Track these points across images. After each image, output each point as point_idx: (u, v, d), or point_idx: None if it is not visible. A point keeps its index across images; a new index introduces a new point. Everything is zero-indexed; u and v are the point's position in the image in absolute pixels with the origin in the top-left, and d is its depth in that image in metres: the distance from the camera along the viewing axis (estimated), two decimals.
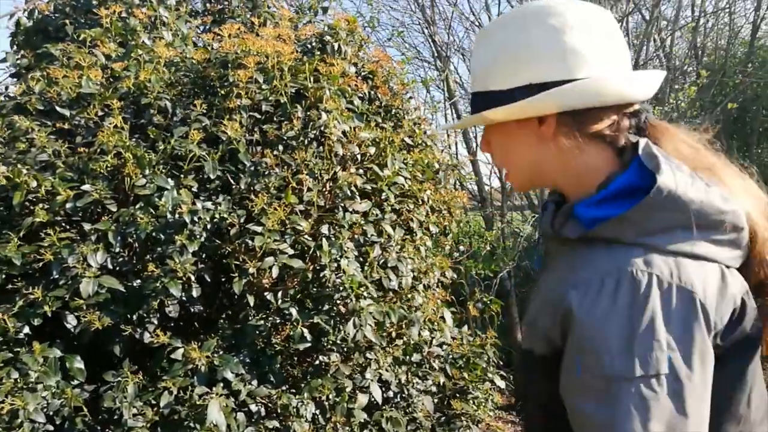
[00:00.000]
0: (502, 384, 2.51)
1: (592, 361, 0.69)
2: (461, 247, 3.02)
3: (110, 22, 2.09)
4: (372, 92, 2.40)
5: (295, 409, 1.85)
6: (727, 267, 0.76)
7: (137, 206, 1.70)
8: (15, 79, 2.06)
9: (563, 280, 0.76)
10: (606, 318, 0.69)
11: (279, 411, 1.87)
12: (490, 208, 4.29)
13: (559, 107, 0.79)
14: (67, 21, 2.20)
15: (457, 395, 2.51)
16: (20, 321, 1.55)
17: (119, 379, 1.75)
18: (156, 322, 1.77)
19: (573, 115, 0.80)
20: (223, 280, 2.00)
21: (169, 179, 1.75)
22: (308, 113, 2.02)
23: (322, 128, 1.96)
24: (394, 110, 2.43)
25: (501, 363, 2.86)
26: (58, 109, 1.82)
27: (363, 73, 2.38)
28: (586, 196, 0.81)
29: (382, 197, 2.14)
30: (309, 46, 2.23)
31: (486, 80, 0.86)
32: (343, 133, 2.02)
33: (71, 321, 1.59)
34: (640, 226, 0.73)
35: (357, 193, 2.05)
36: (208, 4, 2.65)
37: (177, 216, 1.69)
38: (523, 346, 0.86)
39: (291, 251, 1.83)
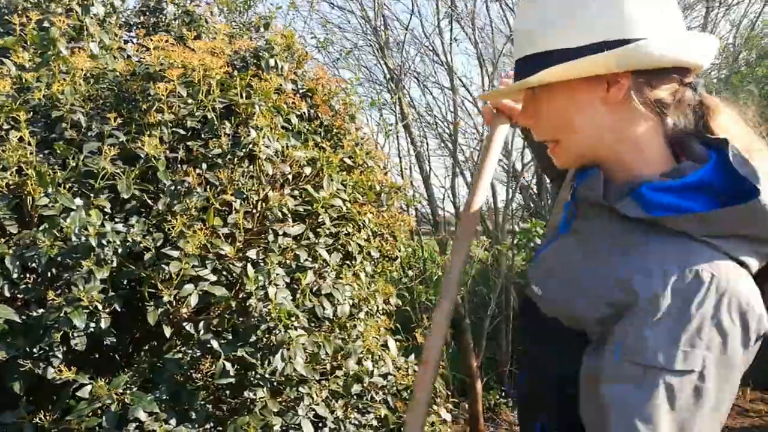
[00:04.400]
0: (448, 417, 2.40)
1: (635, 349, 0.68)
2: (410, 272, 2.92)
3: (27, 31, 1.94)
4: (312, 111, 2.30)
5: None
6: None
7: (40, 228, 1.54)
8: None
9: (626, 263, 0.73)
10: (666, 318, 0.68)
11: None
12: (443, 232, 4.23)
13: (640, 64, 0.76)
14: None
15: (401, 429, 2.38)
16: None
17: (14, 420, 1.57)
18: (61, 356, 1.60)
19: (643, 77, 0.77)
20: (141, 310, 1.84)
21: (78, 199, 1.60)
22: (238, 130, 1.90)
23: (251, 146, 1.85)
24: (335, 130, 2.33)
25: (449, 394, 2.75)
26: None
27: (302, 91, 2.28)
28: (638, 177, 0.79)
29: (318, 220, 2.03)
30: (243, 61, 2.13)
31: (548, 39, 0.80)
32: (276, 151, 1.91)
33: None
34: (716, 227, 0.71)
35: (289, 216, 1.94)
36: (142, 17, 2.52)
37: (84, 239, 1.53)
38: (547, 314, 0.83)
39: (213, 278, 1.69)
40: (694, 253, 0.71)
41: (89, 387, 1.61)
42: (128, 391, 1.64)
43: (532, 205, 4.89)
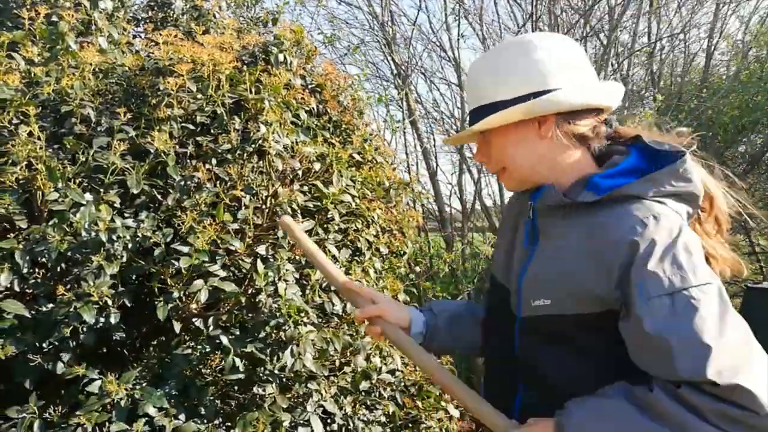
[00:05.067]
0: (456, 413, 2.39)
1: (654, 285, 0.85)
2: (417, 268, 2.91)
3: (36, 26, 1.94)
4: (321, 106, 2.29)
5: None
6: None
7: (50, 223, 1.53)
8: None
9: (609, 233, 0.92)
10: (658, 250, 0.87)
11: None
12: (450, 228, 4.21)
13: (558, 108, 1.00)
14: None
15: (409, 425, 2.38)
16: None
17: (24, 415, 1.57)
18: (70, 351, 1.60)
19: (565, 117, 1.01)
20: (151, 306, 1.84)
21: (88, 194, 1.60)
22: (247, 125, 1.89)
23: (260, 141, 1.84)
24: (344, 125, 2.32)
25: None
26: None
27: (311, 86, 2.27)
28: (572, 181, 1.02)
29: (327, 216, 2.02)
30: (252, 56, 2.12)
31: (488, 94, 1.04)
32: (286, 147, 1.90)
33: None
34: (660, 187, 0.94)
35: (299, 211, 1.93)
36: (150, 12, 2.51)
37: (93, 234, 1.53)
38: (558, 317, 0.97)
39: (223, 273, 1.69)
40: (653, 206, 0.92)
41: (98, 382, 1.60)
42: (138, 387, 1.64)
43: None
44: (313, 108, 2.23)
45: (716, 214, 1.04)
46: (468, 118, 1.11)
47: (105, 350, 1.85)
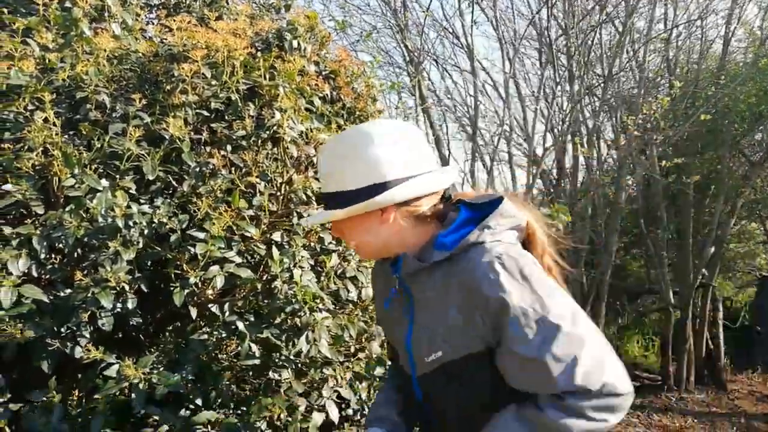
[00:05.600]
0: None
1: (519, 318, 1.00)
2: None
3: (50, 12, 1.93)
4: (334, 93, 2.28)
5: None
6: None
7: (66, 209, 1.54)
8: None
9: (466, 283, 1.05)
10: (515, 288, 1.01)
11: None
12: None
13: (396, 200, 1.10)
14: (5, 9, 2.03)
15: None
16: None
17: (43, 398, 1.58)
18: (88, 335, 1.61)
19: (405, 205, 1.12)
20: (167, 291, 1.84)
21: (104, 180, 1.60)
22: (261, 112, 1.88)
23: (275, 128, 1.83)
24: (357, 112, 2.31)
25: None
26: None
27: (324, 73, 2.26)
28: (422, 247, 1.14)
29: None
30: (266, 43, 2.10)
31: (336, 183, 1.13)
32: (301, 134, 1.89)
33: None
34: (494, 229, 1.08)
35: (313, 198, 1.92)
36: None
37: (110, 220, 1.53)
38: (450, 363, 1.09)
39: (238, 260, 1.69)
40: (493, 248, 1.05)
41: (116, 366, 1.62)
42: (155, 371, 1.65)
43: (551, 190, 4.83)
44: (327, 94, 2.21)
45: (535, 246, 1.18)
46: (323, 201, 1.22)
47: (121, 335, 1.87)
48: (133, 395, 1.62)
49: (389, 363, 1.47)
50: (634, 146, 4.26)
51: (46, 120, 1.63)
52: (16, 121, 1.70)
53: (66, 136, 1.67)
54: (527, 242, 1.16)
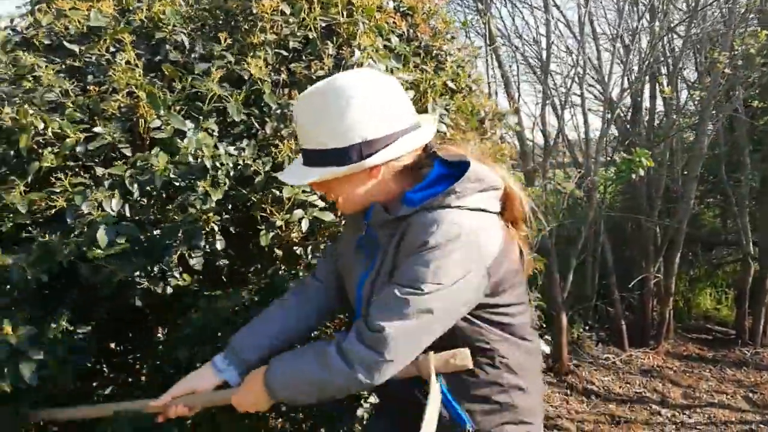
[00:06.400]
0: (547, 349, 2.34)
1: (402, 273, 1.13)
2: None
3: None
4: (411, 31, 2.17)
5: None
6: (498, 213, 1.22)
7: (154, 150, 1.54)
8: (25, 12, 1.88)
9: (409, 236, 1.14)
10: (424, 250, 1.11)
11: None
12: (532, 163, 4.04)
13: (391, 157, 1.16)
14: None
15: None
16: (37, 270, 1.43)
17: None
18: (178, 275, 1.64)
19: (394, 160, 1.18)
20: (249, 233, 1.85)
21: (188, 122, 1.58)
22: (340, 51, 1.81)
23: (354, 67, 1.76)
24: (435, 51, 2.19)
25: (543, 326, 2.69)
26: (66, 44, 1.66)
27: (402, 9, 2.14)
28: (394, 198, 1.22)
29: None
30: None
31: (318, 141, 1.16)
32: None
33: (85, 272, 1.46)
34: (460, 194, 1.14)
35: None
36: None
37: (198, 161, 1.52)
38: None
39: (321, 204, 1.66)
40: (446, 214, 1.12)
41: (204, 302, 1.65)
42: (243, 306, 1.68)
43: (627, 135, 4.58)
44: (404, 32, 2.11)
45: (512, 210, 1.24)
46: (301, 155, 1.25)
47: (204, 277, 1.90)
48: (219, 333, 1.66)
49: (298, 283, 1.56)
50: (722, 86, 3.94)
51: (127, 62, 1.62)
52: (98, 63, 1.70)
53: (147, 78, 1.66)
54: (505, 202, 1.22)
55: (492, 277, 1.16)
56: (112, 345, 1.88)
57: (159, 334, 1.87)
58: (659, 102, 4.65)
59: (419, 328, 1.12)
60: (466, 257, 1.12)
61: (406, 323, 1.10)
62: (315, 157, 1.18)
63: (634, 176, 3.10)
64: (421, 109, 1.93)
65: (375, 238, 1.24)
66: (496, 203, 1.21)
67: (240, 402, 1.28)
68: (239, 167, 1.56)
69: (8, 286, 1.42)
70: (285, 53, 1.79)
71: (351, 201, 1.24)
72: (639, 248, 4.72)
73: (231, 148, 1.57)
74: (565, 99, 4.21)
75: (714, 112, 4.36)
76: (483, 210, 1.17)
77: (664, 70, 4.53)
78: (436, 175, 1.20)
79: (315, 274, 1.49)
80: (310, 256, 1.70)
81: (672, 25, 4.30)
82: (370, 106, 1.13)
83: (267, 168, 1.62)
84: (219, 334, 1.62)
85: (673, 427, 3.86)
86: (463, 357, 1.19)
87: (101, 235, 1.42)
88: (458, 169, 1.19)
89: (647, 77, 4.34)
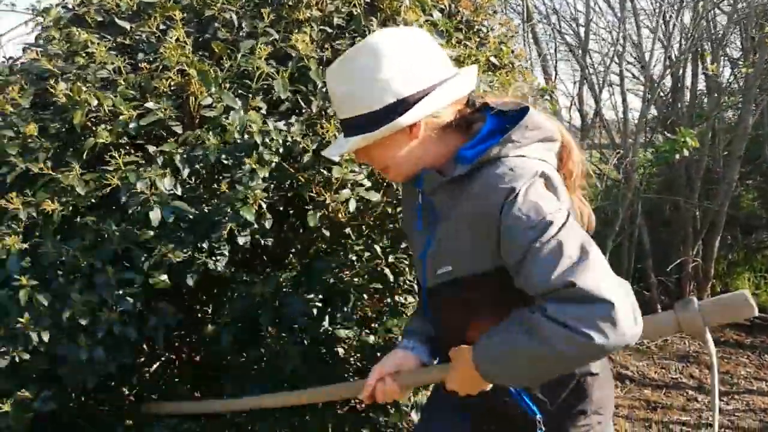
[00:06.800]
0: None
1: (519, 224, 0.99)
2: None
3: None
4: (453, 5, 2.13)
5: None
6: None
7: (204, 127, 1.55)
8: None
9: (481, 200, 1.04)
10: (518, 199, 1.00)
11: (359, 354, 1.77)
12: None
13: (425, 114, 1.08)
14: None
15: None
16: (91, 256, 1.47)
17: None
18: (227, 252, 1.65)
19: (433, 116, 1.10)
20: (291, 213, 1.86)
21: (237, 99, 1.59)
22: (384, 27, 1.79)
23: None
24: (476, 26, 2.16)
25: None
26: (117, 21, 1.68)
27: None
28: (447, 159, 1.13)
29: None
30: None
31: (353, 107, 1.10)
32: None
33: (140, 258, 1.49)
34: (516, 142, 1.06)
35: None
36: None
37: (246, 137, 1.53)
38: (458, 279, 1.11)
39: (368, 183, 1.66)
40: (509, 162, 1.04)
41: (247, 283, 1.67)
42: (284, 289, 1.70)
43: (668, 115, 4.46)
44: (445, 7, 2.08)
45: (568, 163, 1.16)
46: (341, 128, 1.18)
47: (247, 255, 1.91)
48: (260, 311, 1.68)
49: None
50: None
51: (177, 39, 1.63)
52: (148, 41, 1.71)
53: (196, 56, 1.66)
54: (561, 155, 1.15)
55: None
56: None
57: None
58: (701, 81, 4.51)
59: (593, 251, 0.95)
60: (552, 194, 1.04)
61: (582, 259, 0.93)
62: (353, 126, 1.11)
63: (678, 156, 3.02)
64: None
65: (432, 204, 1.15)
66: (553, 157, 1.12)
67: (455, 384, 1.14)
68: (288, 144, 1.56)
69: (61, 272, 1.46)
70: (329, 30, 1.78)
71: (397, 168, 1.16)
72: (677, 231, 4.62)
73: (280, 123, 1.57)
74: (604, 78, 4.11)
75: (758, 90, 4.21)
76: (544, 161, 1.09)
77: (707, 48, 4.38)
78: (490, 129, 1.11)
79: None
80: (355, 237, 1.70)
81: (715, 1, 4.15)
82: (402, 63, 1.06)
83: (314, 147, 1.62)
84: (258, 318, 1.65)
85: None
86: (743, 300, 0.96)
87: (154, 216, 1.44)
88: (514, 120, 1.10)
89: (689, 55, 4.20)
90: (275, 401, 1.50)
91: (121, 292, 1.46)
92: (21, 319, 1.36)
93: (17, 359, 1.38)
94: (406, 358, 1.25)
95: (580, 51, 4.05)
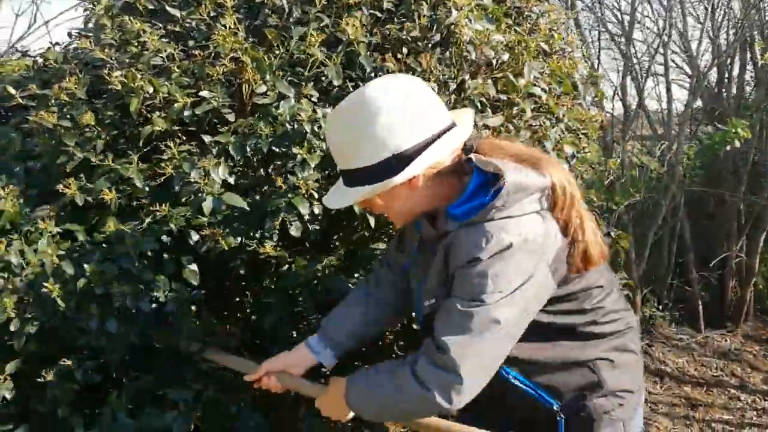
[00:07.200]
0: None
1: (459, 287, 1.12)
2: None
3: None
4: None
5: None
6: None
7: (256, 116, 1.54)
8: None
9: (456, 253, 1.12)
10: (475, 265, 1.09)
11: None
12: (610, 134, 3.88)
13: (427, 165, 1.12)
14: None
15: None
16: (148, 239, 1.48)
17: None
18: (275, 240, 1.65)
19: (431, 167, 1.14)
20: None
21: (290, 87, 1.58)
22: (435, 12, 1.76)
23: (451, 28, 1.71)
24: (526, 12, 2.11)
25: None
26: (168, 9, 1.68)
27: None
28: (441, 205, 1.17)
29: (513, 111, 1.88)
30: None
31: (352, 160, 1.14)
32: (477, 34, 1.75)
33: (194, 238, 1.49)
34: (501, 209, 1.09)
35: (488, 106, 1.80)
36: None
37: (296, 126, 1.52)
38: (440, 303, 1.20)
39: None
40: (490, 227, 1.09)
41: (293, 266, 1.67)
42: (327, 273, 1.69)
43: (712, 105, 4.33)
44: None
45: (571, 212, 1.17)
46: (341, 176, 1.22)
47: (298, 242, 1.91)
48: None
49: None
50: None
51: (230, 26, 1.62)
52: (199, 28, 1.72)
53: (248, 43, 1.66)
54: (555, 198, 1.16)
55: (559, 270, 1.14)
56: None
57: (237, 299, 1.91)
58: (749, 71, 4.36)
59: (489, 341, 1.07)
60: (524, 262, 1.08)
61: (473, 339, 1.06)
62: (353, 177, 1.15)
63: (728, 148, 2.91)
64: (516, 72, 1.87)
65: (429, 249, 1.21)
66: (544, 201, 1.15)
67: (323, 406, 1.30)
68: None
69: (123, 255, 1.47)
70: (379, 14, 1.76)
71: (397, 215, 1.23)
72: (721, 225, 4.49)
73: (329, 110, 1.56)
74: (648, 68, 4.00)
75: None
76: (530, 213, 1.13)
77: (757, 37, 4.23)
78: (477, 185, 1.14)
79: (388, 262, 1.49)
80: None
81: None
82: (399, 116, 1.09)
83: None
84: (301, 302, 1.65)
85: (754, 413, 3.70)
86: None
87: (207, 206, 1.45)
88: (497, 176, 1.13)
89: (738, 44, 4.05)
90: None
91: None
92: (47, 284, 1.37)
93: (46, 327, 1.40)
94: (300, 361, 1.40)
95: (623, 40, 3.94)
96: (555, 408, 1.23)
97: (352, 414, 1.23)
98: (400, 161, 1.09)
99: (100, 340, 1.42)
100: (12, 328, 1.35)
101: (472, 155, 1.17)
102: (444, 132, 1.14)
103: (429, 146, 1.11)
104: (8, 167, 1.64)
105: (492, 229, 1.08)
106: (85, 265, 1.41)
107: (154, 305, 1.47)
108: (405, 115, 1.10)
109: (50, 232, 1.45)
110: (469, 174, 1.16)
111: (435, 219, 1.19)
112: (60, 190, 1.46)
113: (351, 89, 1.70)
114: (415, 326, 1.81)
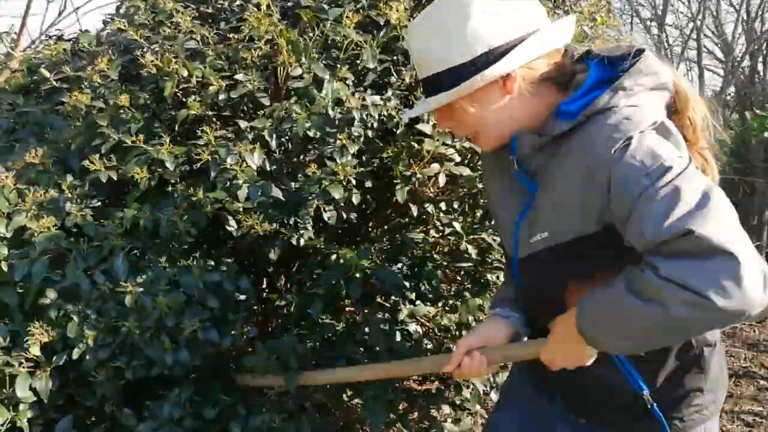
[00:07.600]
0: None
1: (635, 174, 0.86)
2: None
3: None
4: None
5: (455, 330, 1.68)
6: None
7: (292, 100, 1.50)
8: None
9: (590, 152, 0.92)
10: (633, 148, 0.89)
11: (437, 332, 1.72)
12: None
13: (522, 61, 0.97)
14: None
15: None
16: (186, 223, 1.44)
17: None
18: (311, 228, 1.62)
19: (528, 67, 0.98)
20: (379, 188, 1.80)
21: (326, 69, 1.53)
22: None
23: None
24: None
25: None
26: None
27: None
28: (544, 118, 1.00)
29: None
30: None
31: (437, 63, 1.00)
32: None
33: (232, 224, 1.46)
34: (629, 90, 0.94)
35: None
36: None
37: (339, 112, 1.47)
38: (555, 245, 1.00)
39: (458, 158, 1.59)
40: (622, 111, 0.92)
41: (334, 255, 1.62)
42: (372, 263, 1.65)
43: (744, 91, 4.21)
44: None
45: (686, 114, 1.02)
46: (422, 88, 1.07)
47: (339, 230, 1.87)
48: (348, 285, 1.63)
49: None
50: None
51: (259, 7, 1.57)
52: (231, 9, 1.67)
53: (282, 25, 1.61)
54: (675, 105, 1.01)
55: None
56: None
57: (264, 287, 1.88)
58: None
59: (715, 193, 0.82)
60: (670, 143, 0.93)
61: (702, 202, 0.81)
62: (440, 83, 1.00)
63: (766, 134, 2.83)
64: None
65: (527, 170, 1.03)
66: (663, 107, 0.99)
67: (551, 357, 1.04)
68: (383, 118, 1.50)
69: (158, 240, 1.45)
70: None
71: (487, 131, 1.04)
72: (751, 213, 4.40)
73: (376, 98, 1.50)
74: (681, 53, 3.89)
75: None
76: (658, 112, 0.97)
77: None
78: (595, 80, 0.98)
79: None
80: (442, 213, 1.64)
81: None
82: (493, 11, 0.96)
83: (406, 120, 1.56)
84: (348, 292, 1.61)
85: None
86: None
87: (242, 194, 1.41)
88: (623, 65, 0.97)
89: None
90: (351, 375, 1.44)
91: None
92: (127, 323, 1.34)
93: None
94: (498, 330, 1.15)
95: (655, 24, 3.83)
96: (645, 394, 1.05)
97: (593, 354, 1.00)
98: (494, 56, 0.95)
99: (174, 370, 1.38)
100: (88, 357, 1.33)
101: (589, 49, 1.04)
102: (542, 30, 0.99)
103: (526, 40, 0.97)
104: (70, 163, 1.56)
105: (628, 112, 0.92)
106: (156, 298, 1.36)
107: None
108: (499, 8, 0.97)
109: (122, 248, 1.40)
110: (583, 73, 1.00)
111: (537, 131, 1.02)
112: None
113: (392, 74, 1.65)
114: None
